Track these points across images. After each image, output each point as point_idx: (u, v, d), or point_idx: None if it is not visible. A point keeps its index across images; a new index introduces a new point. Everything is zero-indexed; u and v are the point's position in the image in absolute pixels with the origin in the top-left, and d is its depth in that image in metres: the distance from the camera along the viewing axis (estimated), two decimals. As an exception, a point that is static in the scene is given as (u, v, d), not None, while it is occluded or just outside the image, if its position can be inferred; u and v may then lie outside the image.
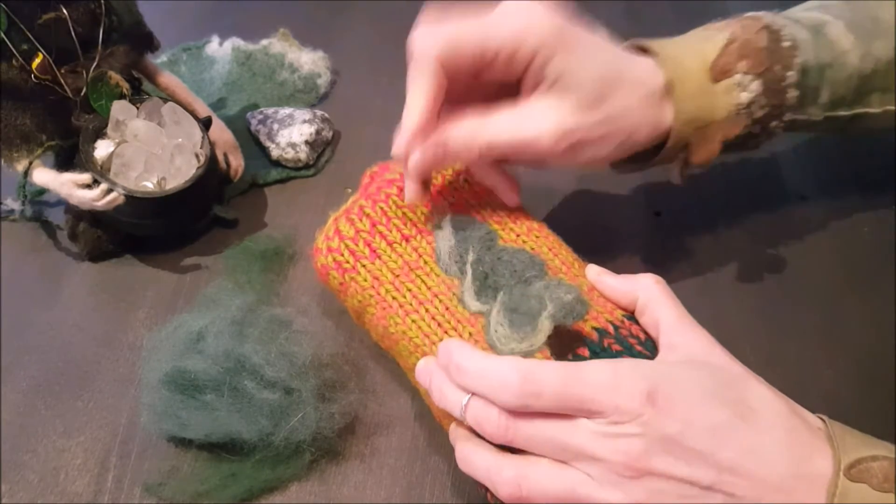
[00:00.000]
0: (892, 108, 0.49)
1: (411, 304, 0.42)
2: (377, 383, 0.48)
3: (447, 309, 0.41)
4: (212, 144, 0.56)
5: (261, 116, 0.64)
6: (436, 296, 0.42)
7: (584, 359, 0.37)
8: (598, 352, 0.38)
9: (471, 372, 0.36)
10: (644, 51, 0.46)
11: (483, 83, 0.44)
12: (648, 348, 0.39)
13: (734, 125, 0.45)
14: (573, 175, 0.61)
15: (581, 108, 0.42)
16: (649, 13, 0.71)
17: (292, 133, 0.61)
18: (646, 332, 0.40)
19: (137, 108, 0.54)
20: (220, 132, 0.60)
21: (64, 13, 0.50)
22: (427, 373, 0.39)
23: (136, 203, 0.52)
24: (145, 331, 0.50)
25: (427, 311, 0.41)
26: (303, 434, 0.42)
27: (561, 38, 0.41)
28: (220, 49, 0.72)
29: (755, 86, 0.45)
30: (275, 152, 0.62)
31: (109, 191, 0.50)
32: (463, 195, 0.46)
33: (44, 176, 0.52)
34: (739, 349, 0.38)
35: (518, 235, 0.44)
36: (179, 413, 0.43)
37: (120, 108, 0.53)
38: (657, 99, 0.44)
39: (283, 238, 0.56)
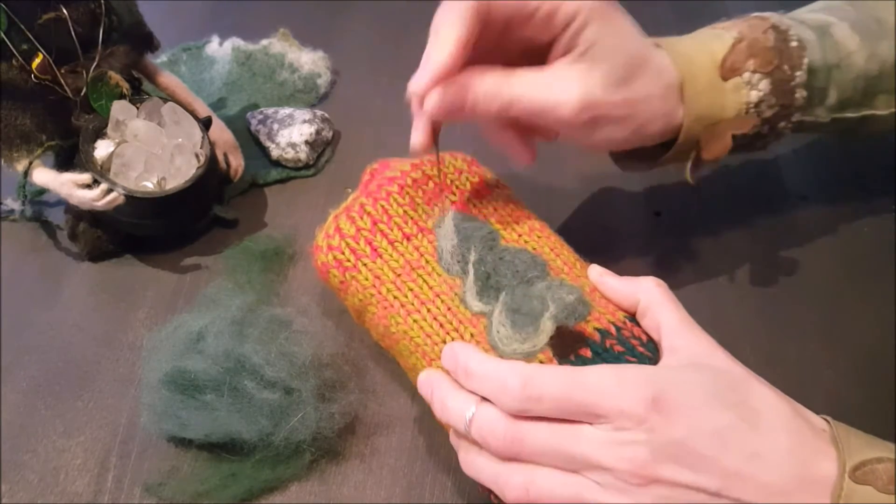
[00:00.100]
0: None
1: (413, 304, 0.42)
2: (377, 383, 0.48)
3: (449, 309, 0.41)
4: (212, 144, 0.56)
5: (261, 116, 0.64)
6: (437, 295, 0.42)
7: (586, 359, 0.37)
8: (601, 352, 0.38)
9: (476, 375, 0.36)
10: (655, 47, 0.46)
11: (511, 42, 0.43)
12: (650, 349, 0.39)
13: (743, 124, 0.45)
14: (573, 175, 0.61)
15: (608, 83, 0.42)
16: (649, 13, 0.71)
17: (292, 133, 0.61)
18: (647, 334, 0.40)
19: (137, 108, 0.54)
20: (220, 132, 0.60)
21: (64, 13, 0.50)
22: (429, 385, 0.39)
23: (136, 203, 0.52)
24: (145, 331, 0.50)
25: (429, 310, 0.41)
26: (303, 434, 0.42)
27: (601, 7, 0.41)
28: (220, 49, 0.72)
29: (764, 85, 0.45)
30: (275, 152, 0.62)
31: (109, 191, 0.50)
32: (465, 194, 0.46)
33: (44, 176, 0.52)
34: (739, 349, 0.38)
35: (520, 235, 0.44)
36: (179, 413, 0.43)
37: (120, 108, 0.53)
38: (675, 93, 0.45)
39: (283, 238, 0.56)
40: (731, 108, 0.45)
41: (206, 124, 0.57)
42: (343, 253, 0.44)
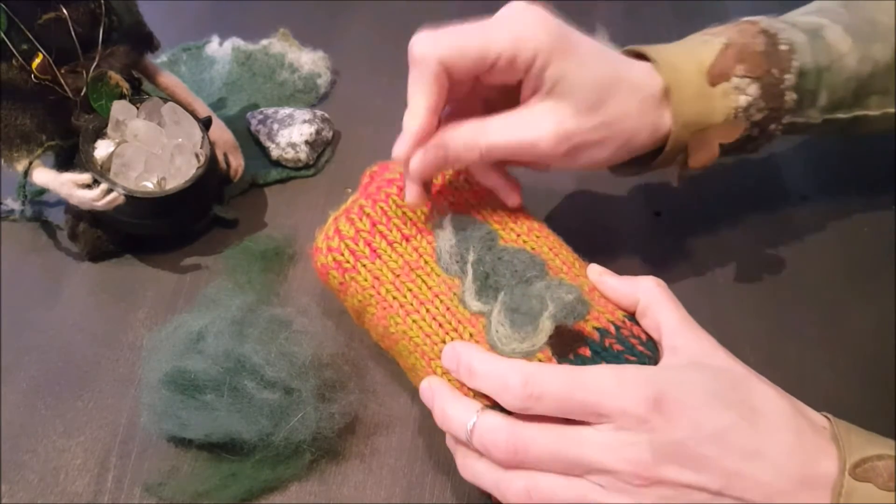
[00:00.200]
0: (891, 110, 0.49)
1: (412, 304, 0.42)
2: (377, 383, 0.48)
3: (448, 309, 0.41)
4: (212, 144, 0.56)
5: (261, 116, 0.64)
6: (436, 296, 0.42)
7: (585, 358, 0.37)
8: (600, 351, 0.38)
9: (479, 374, 0.36)
10: (641, 56, 0.46)
11: (484, 87, 0.44)
12: (650, 348, 0.39)
13: (733, 129, 0.45)
14: (573, 175, 0.61)
15: (579, 112, 0.43)
16: (649, 13, 0.71)
17: (292, 133, 0.61)
18: (647, 333, 0.40)
19: (137, 108, 0.54)
20: (220, 132, 0.60)
21: (64, 13, 0.50)
22: (430, 392, 0.39)
23: (136, 203, 0.52)
24: (145, 331, 0.50)
25: (428, 311, 0.41)
26: (303, 434, 0.42)
27: (559, 43, 0.42)
28: (220, 49, 0.72)
29: (753, 89, 0.45)
30: (275, 152, 0.62)
31: (109, 191, 0.50)
32: (463, 195, 0.46)
33: (44, 176, 0.52)
34: (739, 349, 0.38)
35: (518, 235, 0.44)
36: (179, 413, 0.43)
37: (120, 108, 0.53)
38: (656, 103, 0.45)
39: (283, 238, 0.56)
40: (720, 113, 0.45)
41: (206, 124, 0.57)
42: (342, 254, 0.44)
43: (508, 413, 0.36)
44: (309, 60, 0.71)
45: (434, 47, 0.41)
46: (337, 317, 0.50)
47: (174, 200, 0.53)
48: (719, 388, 0.35)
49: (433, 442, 0.45)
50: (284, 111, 0.64)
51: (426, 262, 0.43)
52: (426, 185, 0.44)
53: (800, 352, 0.49)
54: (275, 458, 0.42)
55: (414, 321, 0.41)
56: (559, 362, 0.37)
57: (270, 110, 0.64)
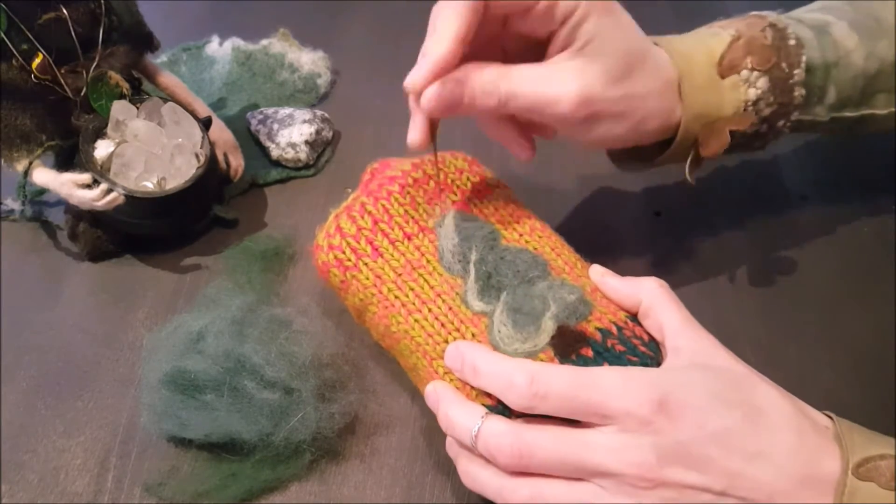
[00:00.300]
0: None
1: (414, 304, 0.42)
2: (377, 383, 0.48)
3: (450, 309, 0.41)
4: (212, 144, 0.56)
5: (261, 116, 0.64)
6: (439, 295, 0.42)
7: (587, 359, 0.37)
8: (602, 352, 0.38)
9: (483, 373, 0.36)
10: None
11: (509, 37, 0.43)
12: (652, 349, 0.39)
13: (742, 121, 0.45)
14: (574, 175, 0.61)
15: (607, 78, 0.41)
16: (649, 13, 0.71)
17: (292, 133, 0.61)
18: (649, 333, 0.40)
19: (137, 108, 0.54)
20: (220, 132, 0.60)
21: (64, 13, 0.50)
22: (435, 396, 0.39)
23: (136, 203, 0.52)
24: (145, 331, 0.50)
25: (430, 310, 0.41)
26: (303, 434, 0.42)
27: (600, 2, 0.41)
28: (220, 49, 0.73)
29: (762, 82, 0.45)
30: (275, 152, 0.62)
31: (109, 191, 0.50)
32: (465, 193, 0.46)
33: (44, 176, 0.52)
34: (740, 349, 0.38)
35: (521, 235, 0.44)
36: (179, 413, 0.43)
37: (120, 108, 0.53)
38: (673, 90, 0.44)
39: (283, 238, 0.56)
40: (730, 106, 0.45)
41: (206, 124, 0.57)
42: (344, 252, 0.44)
43: (511, 417, 0.36)
44: (309, 60, 0.71)
45: None
46: (337, 317, 0.50)
47: (174, 200, 0.53)
48: (722, 389, 0.35)
49: (433, 442, 0.45)
50: (284, 111, 0.64)
51: (428, 261, 0.43)
52: (433, 125, 0.42)
53: (800, 351, 0.49)
54: (275, 458, 0.42)
55: (416, 320, 0.41)
56: (561, 363, 0.37)
57: (270, 110, 0.64)
